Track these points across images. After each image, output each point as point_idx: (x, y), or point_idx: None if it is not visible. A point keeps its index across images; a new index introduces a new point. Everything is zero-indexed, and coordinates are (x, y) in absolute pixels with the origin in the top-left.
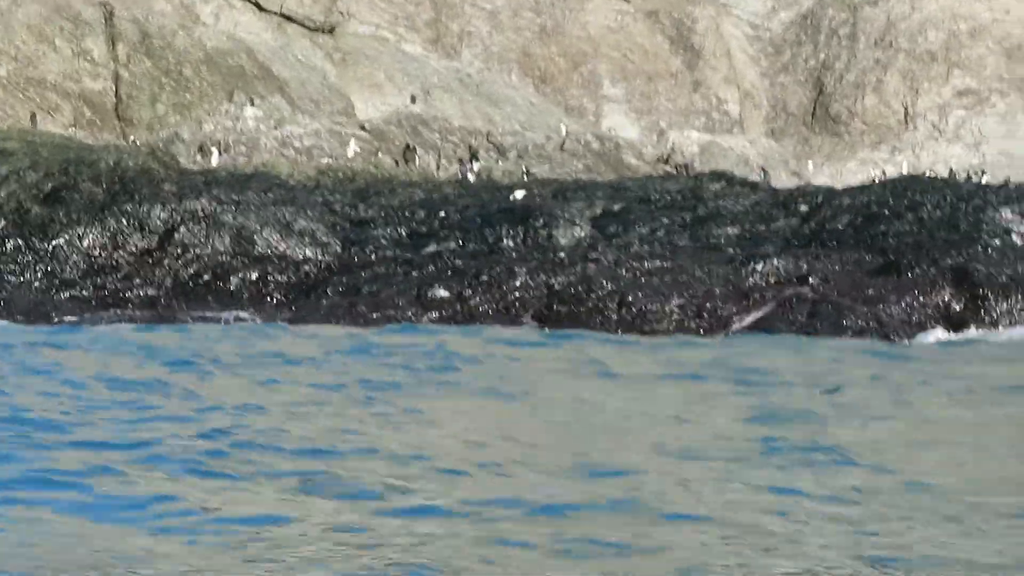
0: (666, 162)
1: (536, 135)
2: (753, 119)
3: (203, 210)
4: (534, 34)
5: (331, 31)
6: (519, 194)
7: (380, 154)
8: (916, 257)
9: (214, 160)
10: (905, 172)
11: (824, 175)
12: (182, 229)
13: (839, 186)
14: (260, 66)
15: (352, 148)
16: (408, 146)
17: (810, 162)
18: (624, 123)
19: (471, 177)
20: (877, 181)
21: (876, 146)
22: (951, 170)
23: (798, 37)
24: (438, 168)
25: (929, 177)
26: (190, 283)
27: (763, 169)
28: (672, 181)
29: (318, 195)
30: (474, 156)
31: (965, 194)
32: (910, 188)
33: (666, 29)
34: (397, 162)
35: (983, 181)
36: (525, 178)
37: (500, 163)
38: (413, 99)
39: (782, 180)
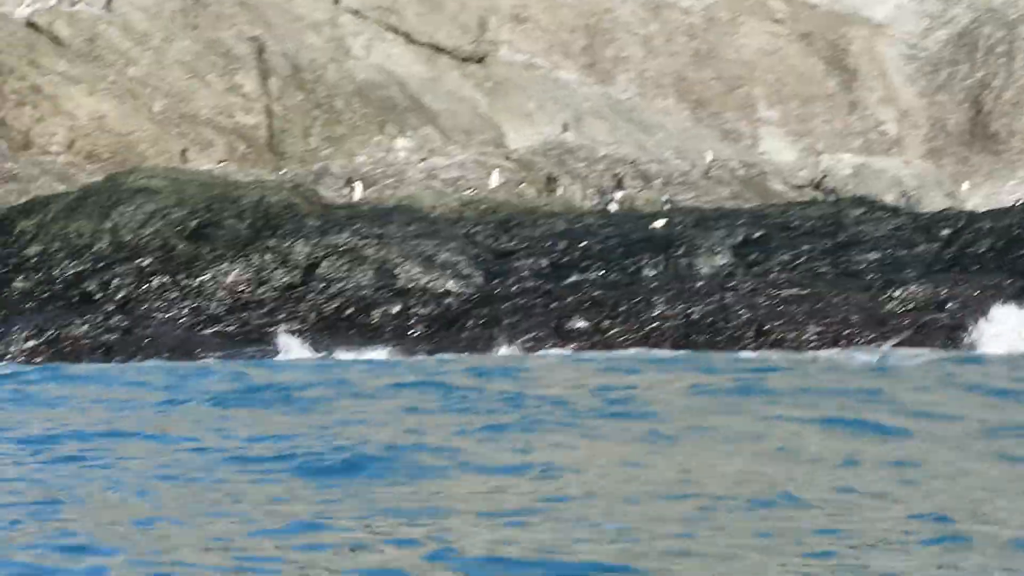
0: (818, 186)
1: (682, 163)
2: (912, 139)
3: (345, 244)
4: (689, 58)
5: (480, 61)
6: (659, 223)
7: (524, 184)
8: None
9: (357, 194)
10: None
11: (980, 195)
12: (324, 264)
13: (997, 206)
14: (411, 97)
15: (495, 179)
16: (550, 176)
17: (966, 183)
18: (781, 146)
19: (613, 207)
20: (1018, 204)
21: None
22: None
23: (954, 56)
24: (584, 198)
25: None
26: (333, 317)
27: (904, 193)
28: (813, 207)
29: (460, 227)
30: (619, 185)
31: None
32: None
33: (820, 51)
34: (540, 192)
35: None
36: (666, 207)
37: (643, 192)
38: (565, 127)
39: (935, 202)
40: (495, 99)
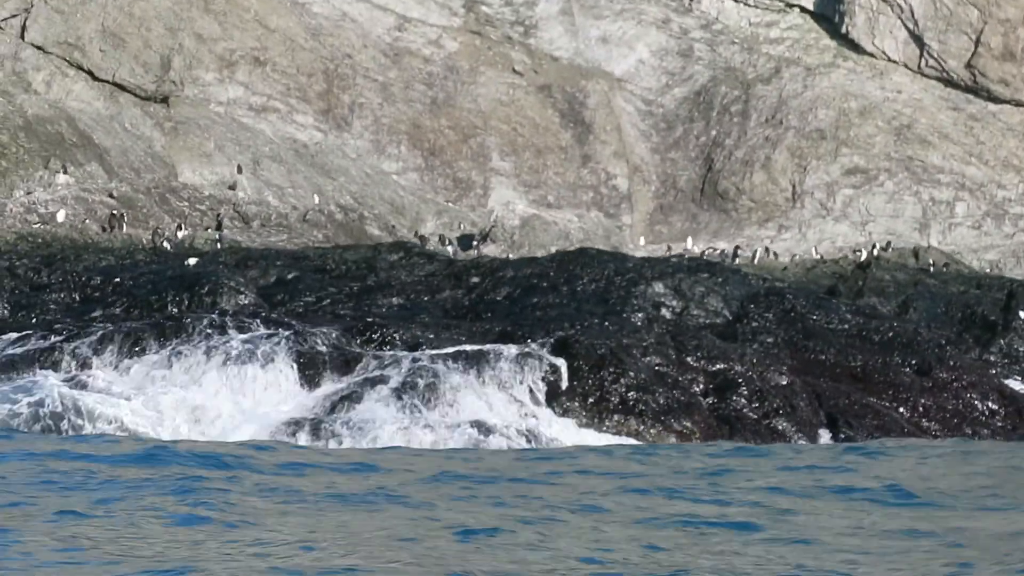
0: (486, 237)
1: (282, 205)
2: (642, 194)
3: None
4: (425, 106)
5: (164, 100)
6: (192, 261)
7: (87, 221)
8: (532, 328)
9: None
10: (799, 250)
11: (647, 252)
12: None
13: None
14: (80, 134)
15: (61, 215)
16: (113, 214)
17: (631, 241)
18: (512, 196)
19: (166, 244)
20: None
21: (763, 223)
22: (811, 252)
23: (691, 113)
24: (178, 232)
25: (597, 251)
26: None
27: (447, 240)
28: (352, 251)
29: (4, 260)
30: (220, 225)
31: (626, 269)
32: (574, 262)
33: (557, 103)
34: (104, 229)
35: (865, 259)
36: (219, 245)
37: (241, 231)
38: (240, 169)
39: None
40: (174, 139)
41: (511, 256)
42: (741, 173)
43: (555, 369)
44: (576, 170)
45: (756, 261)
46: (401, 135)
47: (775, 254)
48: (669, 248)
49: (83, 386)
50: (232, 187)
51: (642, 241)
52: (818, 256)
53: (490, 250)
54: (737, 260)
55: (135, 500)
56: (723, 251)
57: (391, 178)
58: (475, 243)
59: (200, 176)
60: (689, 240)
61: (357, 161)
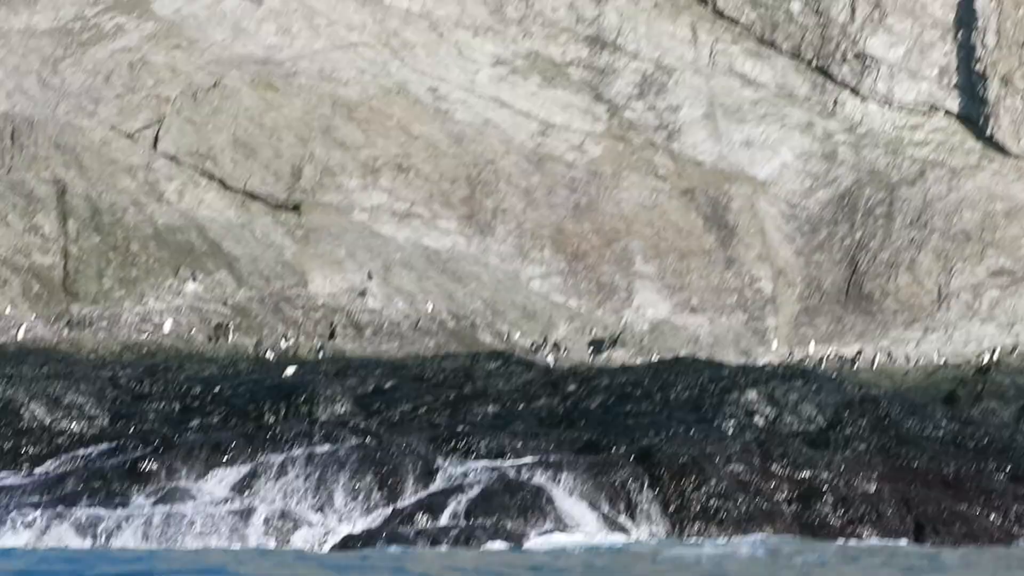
0: (615, 342)
1: (394, 313)
2: (786, 297)
3: None
4: (568, 211)
5: (296, 208)
6: (290, 371)
7: (194, 331)
8: (619, 436)
9: (20, 334)
10: (934, 353)
11: (774, 355)
12: None
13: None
14: (210, 242)
15: (168, 325)
16: (219, 324)
17: (763, 344)
18: (656, 300)
19: (270, 354)
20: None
21: (909, 325)
22: (932, 358)
23: (835, 216)
24: (282, 342)
25: (692, 359)
26: None
27: (536, 345)
28: (450, 359)
29: (106, 370)
30: (332, 334)
31: (720, 376)
32: (669, 370)
33: (701, 207)
34: (209, 339)
35: (986, 363)
36: (320, 355)
37: (353, 341)
38: (370, 275)
39: (730, 359)
40: (305, 246)
41: (640, 361)
42: (886, 275)
43: (637, 477)
44: (720, 273)
45: (875, 367)
46: (544, 240)
47: (907, 357)
48: (791, 353)
49: (172, 498)
50: (362, 294)
51: (775, 346)
52: (941, 361)
53: (619, 355)
54: (856, 366)
55: None
56: (842, 356)
57: (525, 283)
58: (591, 348)
59: (331, 283)
60: (812, 345)
61: (489, 267)
